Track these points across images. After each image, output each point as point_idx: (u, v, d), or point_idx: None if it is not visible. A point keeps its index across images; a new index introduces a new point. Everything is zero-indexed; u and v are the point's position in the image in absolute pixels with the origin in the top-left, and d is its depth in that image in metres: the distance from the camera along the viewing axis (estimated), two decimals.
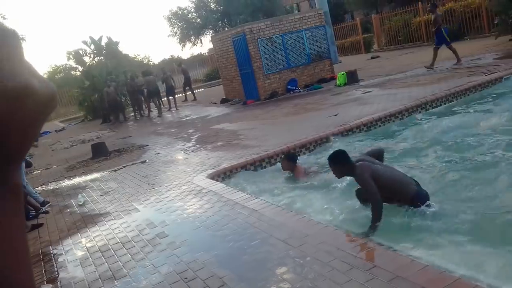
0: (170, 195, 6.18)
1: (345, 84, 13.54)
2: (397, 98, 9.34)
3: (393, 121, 8.16)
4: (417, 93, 9.39)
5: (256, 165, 7.02)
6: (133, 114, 18.57)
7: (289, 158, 6.52)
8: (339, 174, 4.47)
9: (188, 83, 19.93)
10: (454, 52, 12.28)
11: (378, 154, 4.71)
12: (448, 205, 4.50)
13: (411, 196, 4.24)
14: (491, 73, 9.70)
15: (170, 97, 18.22)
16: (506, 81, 9.27)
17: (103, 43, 24.79)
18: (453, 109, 8.37)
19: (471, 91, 8.99)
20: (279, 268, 3.46)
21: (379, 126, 8.02)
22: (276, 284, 3.24)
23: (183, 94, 20.30)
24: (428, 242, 3.81)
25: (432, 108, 8.54)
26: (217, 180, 6.41)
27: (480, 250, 3.54)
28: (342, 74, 13.89)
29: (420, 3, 21.09)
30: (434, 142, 6.67)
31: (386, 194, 4.17)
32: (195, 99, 19.61)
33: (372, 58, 20.33)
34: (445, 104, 8.65)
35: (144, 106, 18.13)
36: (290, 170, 6.46)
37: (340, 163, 4.37)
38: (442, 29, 12.41)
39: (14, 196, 0.45)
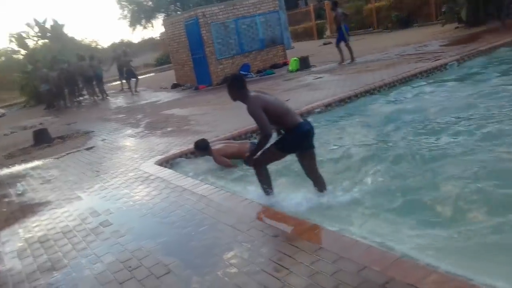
0: (115, 182, 5.96)
1: (297, 70, 13.59)
2: (347, 84, 9.45)
3: (343, 105, 8.24)
4: (366, 78, 9.54)
5: None
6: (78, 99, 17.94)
7: (197, 148, 6.30)
8: (232, 97, 4.45)
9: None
10: (350, 50, 12.65)
11: None
12: (391, 185, 4.59)
13: (295, 125, 4.30)
14: (437, 60, 9.99)
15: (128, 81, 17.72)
16: (450, 67, 9.57)
17: (48, 25, 23.68)
18: (401, 93, 8.55)
19: (417, 76, 9.22)
20: (226, 253, 3.39)
21: (329, 110, 8.08)
22: (223, 269, 3.17)
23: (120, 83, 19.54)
24: (372, 222, 3.86)
25: (380, 93, 8.69)
26: (165, 167, 6.25)
27: (421, 229, 3.63)
28: (295, 60, 13.93)
29: None
30: (381, 125, 6.81)
31: (274, 119, 4.25)
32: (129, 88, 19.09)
33: (324, 44, 20.52)
34: (393, 89, 8.83)
35: (96, 91, 17.65)
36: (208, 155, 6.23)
37: (235, 87, 4.37)
38: (343, 26, 12.72)
39: None
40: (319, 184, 4.54)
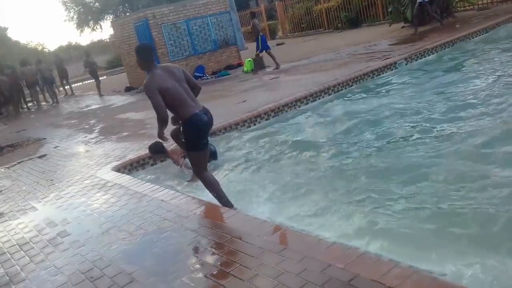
0: (71, 191, 5.79)
1: (252, 71, 13.67)
2: (302, 84, 9.62)
3: (299, 106, 8.38)
4: (320, 78, 9.74)
5: None
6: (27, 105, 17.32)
7: (154, 151, 6.00)
8: (140, 67, 4.49)
9: (65, 76, 18.75)
10: (273, 58, 13.18)
11: (193, 86, 4.63)
12: (357, 182, 4.74)
13: (189, 116, 4.33)
14: (386, 58, 10.35)
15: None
16: (399, 65, 9.95)
17: None
18: (354, 92, 8.82)
19: (369, 75, 9.52)
20: (190, 259, 3.39)
21: (286, 111, 8.20)
22: (188, 274, 3.16)
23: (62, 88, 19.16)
24: (336, 220, 3.97)
25: (335, 92, 8.91)
26: (123, 173, 6.14)
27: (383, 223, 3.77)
28: (249, 60, 14.00)
29: None
30: (337, 123, 7.01)
31: (169, 106, 4.32)
32: (72, 93, 18.77)
33: (278, 44, 20.73)
34: (346, 88, 9.07)
35: (45, 96, 17.15)
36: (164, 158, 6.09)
37: (143, 55, 4.40)
38: (260, 36, 13.26)
39: None
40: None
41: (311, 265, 2.84)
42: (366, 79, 9.42)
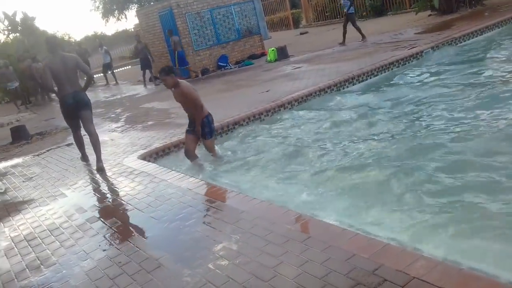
0: (99, 178, 5.93)
1: (275, 60, 13.64)
2: (326, 73, 9.56)
3: (323, 95, 8.34)
4: (345, 68, 9.66)
5: None
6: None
7: (166, 73, 5.60)
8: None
9: (109, 66, 18.94)
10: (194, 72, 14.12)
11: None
12: (381, 176, 4.72)
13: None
14: (413, 47, 10.18)
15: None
16: (426, 54, 9.77)
17: (18, 18, 23.05)
18: (379, 81, 8.71)
19: (394, 65, 9.39)
20: (216, 246, 3.44)
21: (309, 100, 8.17)
22: (213, 261, 3.22)
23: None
24: (360, 210, 3.97)
25: (359, 82, 8.83)
26: (149, 161, 6.24)
27: (407, 216, 3.76)
28: (272, 50, 13.96)
29: None
30: (362, 113, 6.94)
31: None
32: (116, 82, 18.88)
33: (301, 34, 20.59)
34: (370, 78, 8.97)
35: None
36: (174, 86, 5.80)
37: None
38: (177, 52, 13.91)
39: None
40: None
41: (335, 254, 2.87)
42: (392, 69, 9.29)
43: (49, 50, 6.13)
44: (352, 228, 3.31)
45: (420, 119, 6.22)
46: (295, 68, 11.37)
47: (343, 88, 8.62)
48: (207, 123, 5.80)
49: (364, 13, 20.26)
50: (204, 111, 5.75)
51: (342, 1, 13.84)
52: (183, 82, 5.72)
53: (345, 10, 13.56)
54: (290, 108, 7.91)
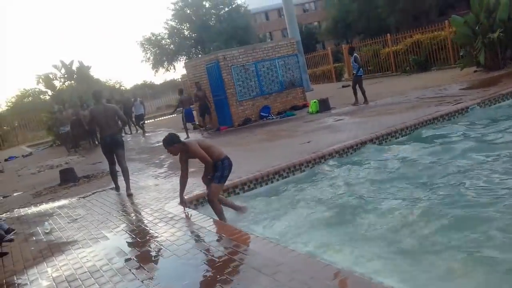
0: (141, 222, 6.04)
1: (317, 112, 13.76)
2: (368, 126, 9.53)
3: (364, 148, 8.28)
4: (387, 121, 9.61)
5: (229, 191, 6.98)
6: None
7: (169, 143, 5.82)
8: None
9: (141, 117, 19.43)
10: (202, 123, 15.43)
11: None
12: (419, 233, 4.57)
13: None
14: (458, 103, 10.04)
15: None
16: (471, 110, 9.60)
17: (74, 67, 24.56)
18: (422, 137, 8.57)
19: (438, 120, 9.26)
20: None
21: (351, 153, 8.13)
22: None
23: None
24: (400, 268, 3.84)
25: (402, 136, 8.73)
26: (189, 207, 6.32)
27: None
28: (314, 102, 14.13)
29: (388, 34, 21.81)
30: (403, 172, 6.81)
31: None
32: (143, 134, 19.06)
33: (343, 86, 20.77)
34: (413, 132, 8.86)
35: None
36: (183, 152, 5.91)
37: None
38: (184, 109, 15.17)
39: None
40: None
41: None
42: (436, 123, 9.16)
43: (94, 100, 7.96)
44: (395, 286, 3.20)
45: (468, 178, 6.01)
46: (336, 120, 11.41)
47: (385, 142, 8.55)
48: (220, 166, 5.82)
49: (408, 68, 20.31)
50: (220, 155, 5.87)
51: (351, 64, 14.01)
52: (190, 143, 5.87)
53: (354, 72, 13.66)
54: (331, 159, 7.88)
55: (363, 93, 13.36)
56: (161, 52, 36.83)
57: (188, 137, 15.32)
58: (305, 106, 15.47)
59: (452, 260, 3.95)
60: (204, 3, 37.06)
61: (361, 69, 13.49)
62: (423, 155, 7.30)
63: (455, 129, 8.59)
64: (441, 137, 8.30)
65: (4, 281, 4.96)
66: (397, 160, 7.31)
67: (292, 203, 6.30)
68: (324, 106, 13.92)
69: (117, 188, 8.11)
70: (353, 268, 3.82)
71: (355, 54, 13.70)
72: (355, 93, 13.59)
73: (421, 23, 25.71)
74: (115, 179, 8.11)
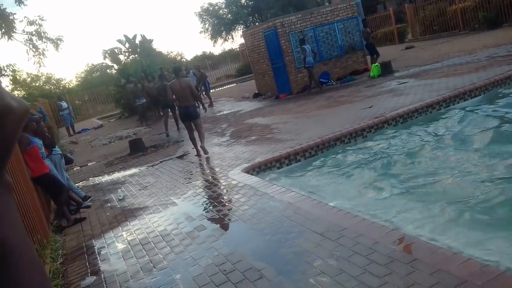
0: (206, 189, 6.27)
1: (379, 76, 13.33)
2: (434, 89, 9.13)
3: (431, 112, 7.98)
4: (455, 83, 9.15)
5: (290, 159, 7.03)
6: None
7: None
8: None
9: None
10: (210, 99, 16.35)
11: None
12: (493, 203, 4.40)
13: None
14: None
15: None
16: None
17: (137, 41, 25.21)
18: (493, 99, 8.10)
19: (511, 79, 8.68)
20: (316, 261, 3.46)
21: (416, 117, 7.86)
22: (314, 276, 3.24)
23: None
24: (467, 235, 3.74)
25: (471, 97, 8.30)
26: (252, 174, 6.45)
27: None
28: (376, 65, 13.68)
29: None
30: (474, 133, 6.51)
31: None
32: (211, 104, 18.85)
33: (407, 48, 19.89)
34: (484, 93, 8.39)
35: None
36: None
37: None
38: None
39: (6, 189, 0.52)
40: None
41: (444, 279, 2.73)
42: (509, 84, 8.59)
43: (174, 74, 8.81)
44: (464, 254, 3.13)
45: None
46: (400, 84, 11.01)
47: (453, 104, 8.16)
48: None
49: (477, 25, 19.01)
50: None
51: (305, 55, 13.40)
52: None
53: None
54: (394, 125, 7.68)
55: (316, 82, 13.59)
56: (219, 22, 36.91)
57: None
58: (366, 70, 15.00)
59: None
60: None
61: (307, 58, 13.13)
62: (495, 120, 6.91)
63: None
64: None
65: (84, 244, 5.39)
66: (467, 124, 6.99)
67: (354, 168, 6.24)
68: (386, 69, 13.43)
69: (198, 153, 8.58)
70: (416, 232, 3.77)
71: (303, 46, 13.33)
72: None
73: None
74: (195, 144, 8.62)
